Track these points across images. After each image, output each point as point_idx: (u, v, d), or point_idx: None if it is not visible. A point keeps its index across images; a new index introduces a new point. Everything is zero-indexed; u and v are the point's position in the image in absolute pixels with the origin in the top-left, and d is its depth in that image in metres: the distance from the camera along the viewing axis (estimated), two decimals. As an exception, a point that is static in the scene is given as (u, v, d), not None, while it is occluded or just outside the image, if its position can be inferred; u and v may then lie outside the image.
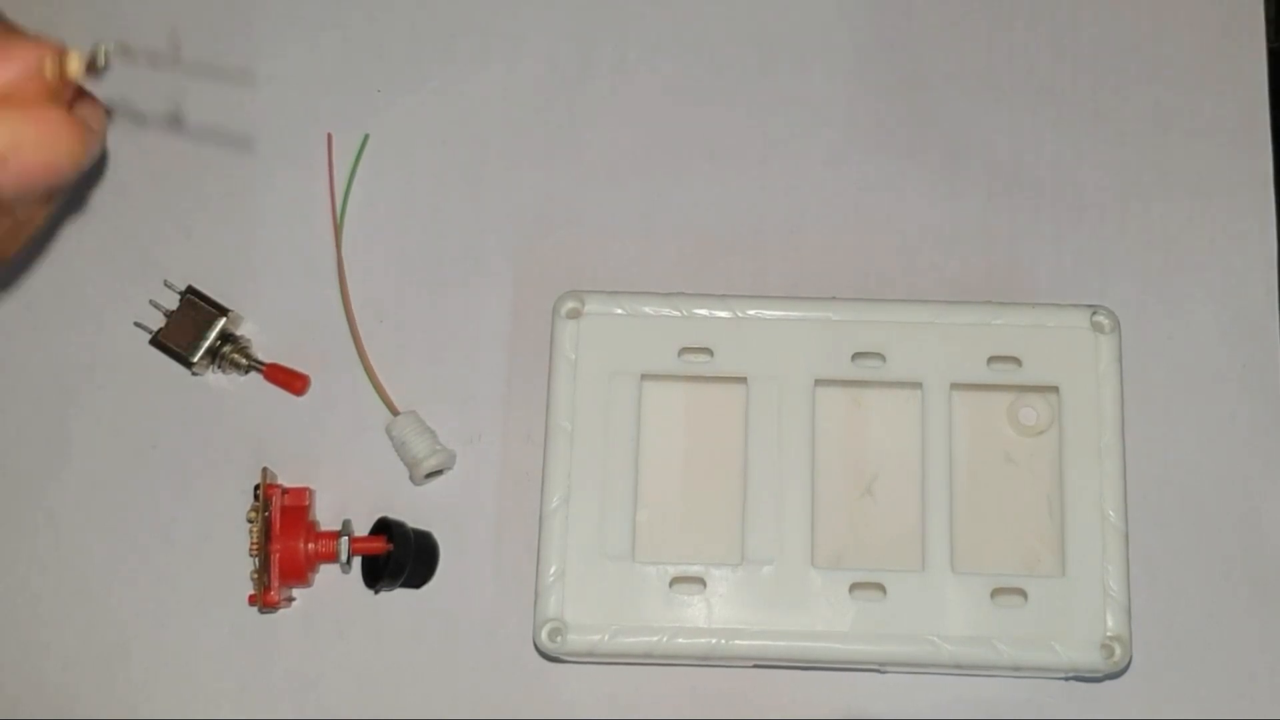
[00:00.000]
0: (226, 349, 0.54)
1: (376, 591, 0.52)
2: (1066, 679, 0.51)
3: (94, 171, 0.56)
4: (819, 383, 0.51)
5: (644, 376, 0.51)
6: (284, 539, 0.51)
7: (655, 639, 0.49)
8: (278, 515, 0.51)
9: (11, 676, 0.52)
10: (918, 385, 0.51)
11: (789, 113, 0.57)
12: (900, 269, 0.55)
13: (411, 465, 0.53)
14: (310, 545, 0.51)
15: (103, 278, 0.55)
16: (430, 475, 0.53)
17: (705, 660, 0.50)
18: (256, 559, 0.51)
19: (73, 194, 0.56)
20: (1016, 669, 0.49)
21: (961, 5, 0.58)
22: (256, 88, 0.57)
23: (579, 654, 0.49)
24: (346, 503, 0.53)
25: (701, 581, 0.50)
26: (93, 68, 0.41)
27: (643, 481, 0.51)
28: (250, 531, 0.51)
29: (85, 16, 0.58)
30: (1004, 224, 0.55)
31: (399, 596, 0.52)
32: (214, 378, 0.54)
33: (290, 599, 0.52)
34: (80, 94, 0.43)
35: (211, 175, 0.56)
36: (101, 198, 0.56)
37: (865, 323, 0.51)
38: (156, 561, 0.53)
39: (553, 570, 0.50)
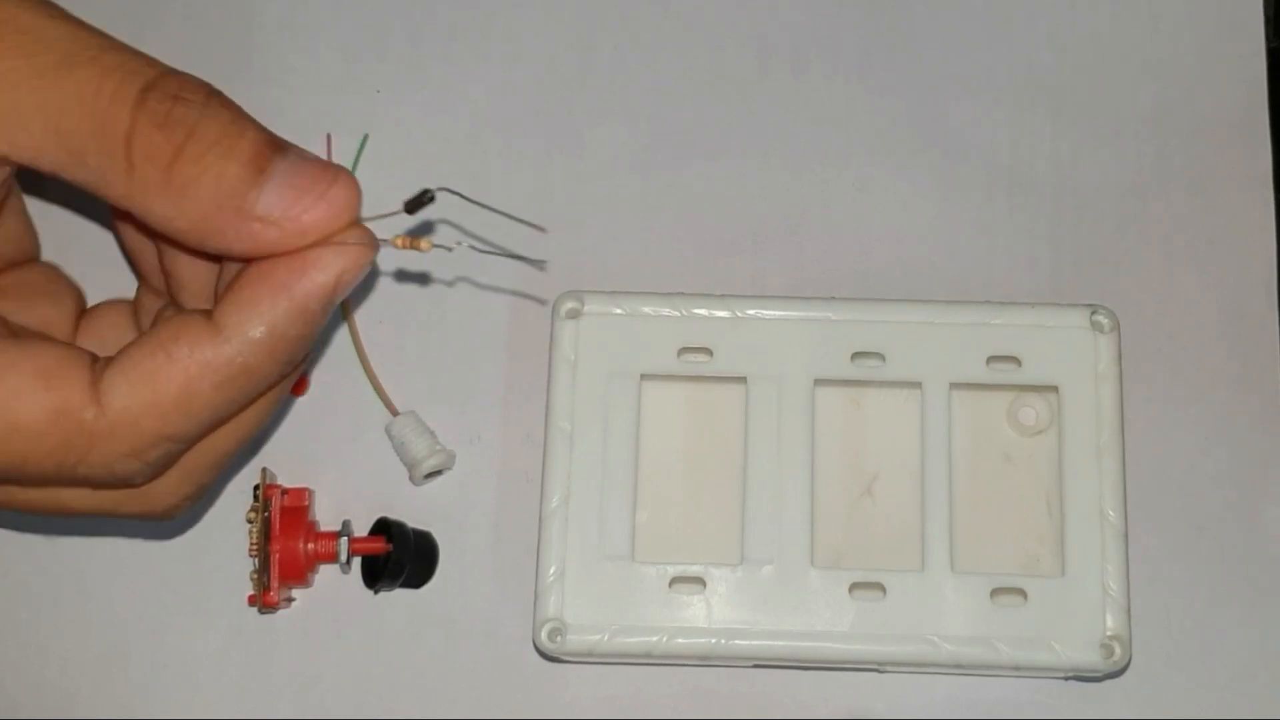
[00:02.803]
0: (226, 349, 0.54)
1: (376, 592, 0.52)
2: (1066, 679, 0.51)
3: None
4: (818, 382, 0.51)
5: (643, 376, 0.51)
6: (283, 539, 0.51)
7: (655, 639, 0.49)
8: (277, 515, 0.51)
9: (11, 676, 0.52)
10: (917, 385, 0.51)
11: (788, 112, 0.57)
12: (899, 268, 0.55)
13: (411, 466, 0.53)
14: (310, 545, 0.51)
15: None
16: (430, 475, 0.53)
17: (705, 660, 0.50)
18: (256, 559, 0.51)
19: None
20: (1016, 669, 0.49)
21: (960, 4, 0.58)
22: (255, 87, 0.57)
23: (578, 654, 0.49)
24: (346, 503, 0.53)
25: (701, 581, 0.50)
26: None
27: (642, 481, 0.51)
28: (249, 532, 0.51)
29: (85, 16, 0.58)
30: (1003, 223, 0.56)
31: (398, 597, 0.52)
32: (213, 378, 0.54)
33: (290, 599, 0.52)
34: None
35: (211, 175, 0.56)
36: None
37: (864, 322, 0.51)
38: (155, 562, 0.53)
39: (552, 570, 0.50)
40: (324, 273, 0.38)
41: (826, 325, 0.51)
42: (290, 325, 0.39)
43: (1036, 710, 0.51)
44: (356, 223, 0.39)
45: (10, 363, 0.38)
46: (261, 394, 0.41)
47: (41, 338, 0.41)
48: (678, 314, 0.52)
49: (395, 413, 0.53)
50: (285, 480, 0.52)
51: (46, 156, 0.38)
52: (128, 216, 0.40)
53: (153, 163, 0.37)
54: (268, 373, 0.39)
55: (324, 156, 0.55)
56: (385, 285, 0.55)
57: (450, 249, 0.44)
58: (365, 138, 0.56)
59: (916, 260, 0.55)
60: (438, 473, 0.53)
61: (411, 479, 0.53)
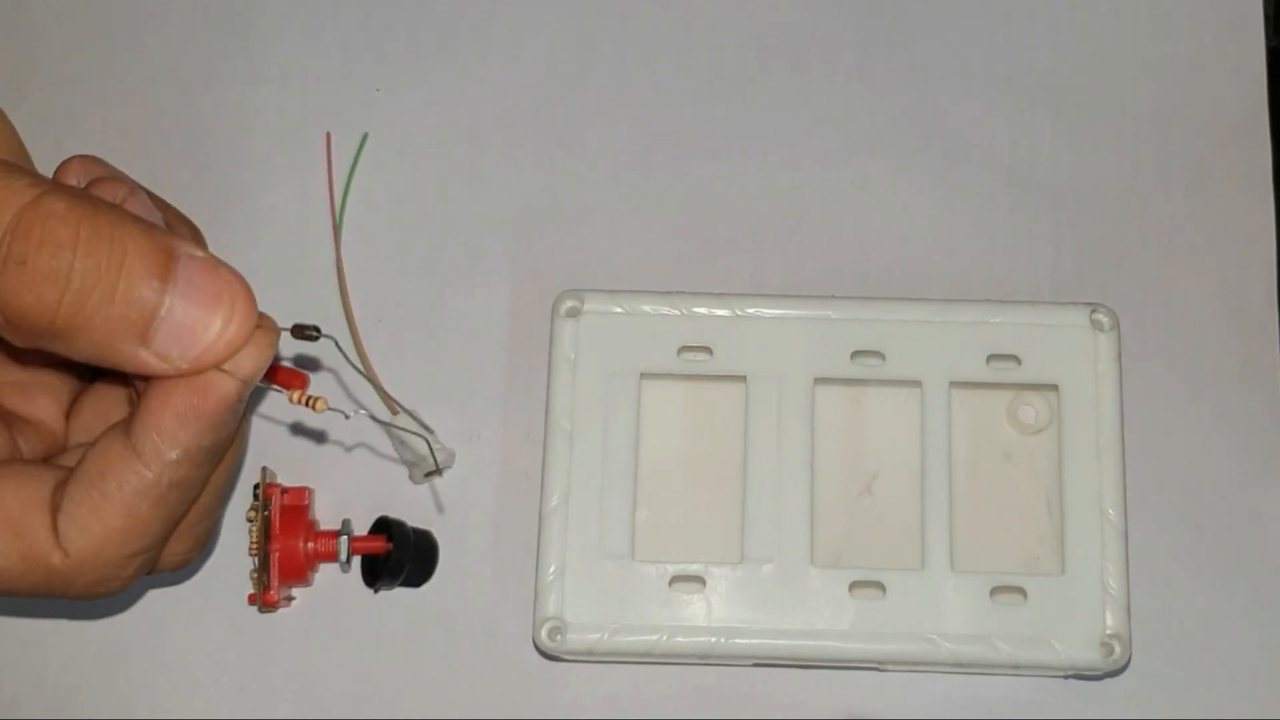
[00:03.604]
0: (225, 348, 0.54)
1: (376, 590, 0.52)
2: (1066, 677, 0.51)
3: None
4: (818, 381, 0.51)
5: (643, 375, 0.51)
6: (283, 538, 0.51)
7: (655, 638, 0.49)
8: (277, 514, 0.51)
9: (11, 675, 0.52)
10: (917, 384, 0.51)
11: (788, 111, 0.57)
12: (899, 267, 0.55)
13: (410, 465, 0.53)
14: (310, 544, 0.51)
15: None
16: (429, 475, 0.53)
17: (705, 659, 0.50)
18: (256, 558, 0.51)
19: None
20: (1016, 667, 0.49)
21: (960, 3, 0.58)
22: (255, 86, 0.57)
23: (578, 653, 0.49)
24: (346, 502, 0.53)
25: (701, 580, 0.50)
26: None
27: (642, 480, 0.51)
28: (249, 531, 0.51)
29: (85, 15, 0.58)
30: (1003, 222, 0.55)
31: (398, 595, 0.52)
32: (213, 377, 0.54)
33: (290, 598, 0.52)
34: None
35: (210, 174, 0.56)
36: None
37: (864, 321, 0.51)
38: (156, 561, 0.53)
39: (552, 569, 0.50)
40: (226, 386, 0.38)
41: (826, 324, 0.51)
42: (204, 438, 0.38)
43: (1036, 709, 0.51)
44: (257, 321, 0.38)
45: None
46: (204, 483, 0.41)
47: (8, 472, 0.40)
48: (677, 313, 0.52)
49: (395, 412, 0.53)
50: (285, 479, 0.52)
51: None
52: None
53: (44, 306, 0.36)
54: (199, 477, 0.40)
55: (324, 155, 0.56)
56: (384, 283, 0.55)
57: (347, 417, 0.44)
58: (365, 137, 0.56)
59: (916, 259, 0.55)
60: (437, 472, 0.53)
61: (411, 478, 0.53)
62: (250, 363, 0.38)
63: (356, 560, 0.52)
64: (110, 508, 0.39)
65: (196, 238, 0.46)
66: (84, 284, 0.35)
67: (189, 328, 0.36)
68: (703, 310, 0.52)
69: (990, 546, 0.51)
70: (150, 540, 0.40)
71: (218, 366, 0.37)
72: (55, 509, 0.39)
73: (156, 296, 0.36)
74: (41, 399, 0.44)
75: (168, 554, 0.42)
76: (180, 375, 0.37)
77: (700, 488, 0.52)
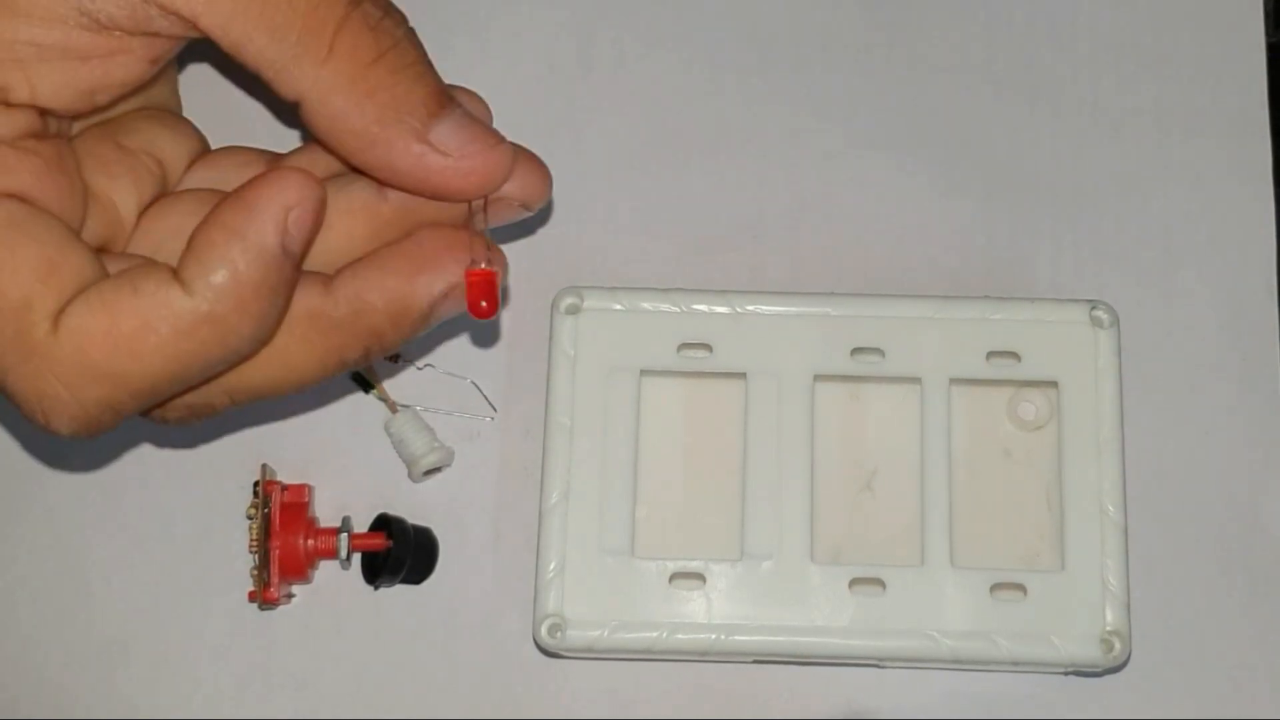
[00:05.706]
0: (225, 345, 0.54)
1: (376, 588, 0.52)
2: (1066, 674, 0.51)
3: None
4: (818, 378, 0.51)
5: (643, 372, 0.51)
6: (283, 535, 0.51)
7: (655, 634, 0.49)
8: (277, 512, 0.51)
9: (10, 674, 0.52)
10: (917, 380, 0.51)
11: (788, 107, 0.57)
12: (899, 264, 0.55)
13: (410, 463, 0.53)
14: (310, 542, 0.51)
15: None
16: (429, 472, 0.53)
17: (705, 656, 0.50)
18: (256, 555, 0.51)
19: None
20: (1016, 664, 0.49)
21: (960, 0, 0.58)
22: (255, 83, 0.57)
23: (578, 650, 0.49)
24: (346, 499, 0.53)
25: (701, 577, 0.50)
26: None
27: (642, 477, 0.51)
28: (249, 528, 0.51)
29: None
30: (1003, 219, 0.55)
31: (398, 593, 0.52)
32: (213, 374, 0.54)
33: (290, 595, 0.52)
34: None
35: (210, 172, 0.56)
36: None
37: (864, 318, 0.51)
38: (155, 558, 0.53)
39: (552, 566, 0.50)
40: (271, 207, 0.38)
41: (826, 321, 0.51)
42: (252, 269, 0.37)
43: (1036, 706, 0.51)
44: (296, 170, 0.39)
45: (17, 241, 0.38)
46: (242, 355, 0.39)
47: (52, 223, 0.39)
48: (677, 309, 0.52)
49: (394, 409, 0.53)
50: (285, 476, 0.52)
51: (242, 27, 0.38)
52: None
53: (353, 58, 0.39)
54: (237, 326, 0.38)
55: (323, 152, 0.56)
56: (384, 281, 0.55)
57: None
58: (364, 134, 0.56)
59: (916, 255, 0.55)
60: (437, 469, 0.53)
61: (410, 476, 0.53)
62: (293, 188, 0.38)
63: (356, 557, 0.52)
64: (132, 306, 0.37)
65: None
66: (407, 53, 0.40)
67: (470, 131, 0.41)
68: (702, 307, 0.52)
69: (990, 543, 0.51)
70: (136, 371, 0.37)
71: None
72: (79, 285, 0.37)
73: (449, 100, 0.41)
74: (123, 180, 0.42)
75: (177, 403, 0.41)
76: (428, 189, 0.41)
77: (700, 484, 0.52)
